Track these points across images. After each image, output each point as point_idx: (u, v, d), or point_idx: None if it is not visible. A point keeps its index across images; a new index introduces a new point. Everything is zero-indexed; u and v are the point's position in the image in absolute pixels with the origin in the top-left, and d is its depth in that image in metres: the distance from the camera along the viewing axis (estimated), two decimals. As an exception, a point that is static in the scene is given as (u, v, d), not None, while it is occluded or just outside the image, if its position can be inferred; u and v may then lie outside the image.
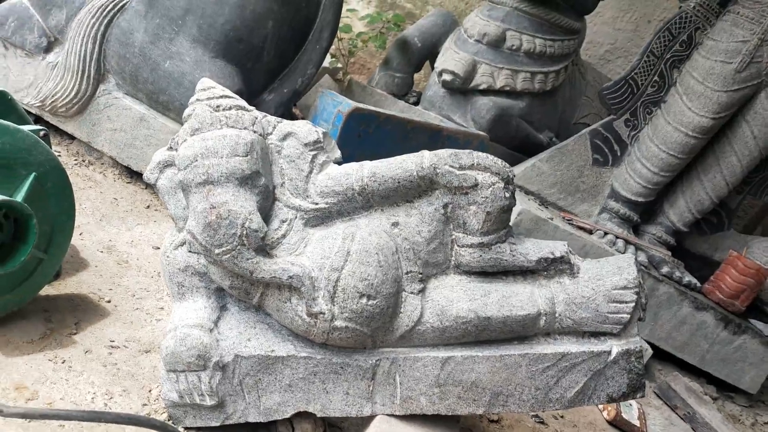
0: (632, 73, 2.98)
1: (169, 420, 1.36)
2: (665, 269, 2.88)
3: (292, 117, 2.66)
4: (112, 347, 1.50)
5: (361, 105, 2.25)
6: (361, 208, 1.31)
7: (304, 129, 1.31)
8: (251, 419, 1.35)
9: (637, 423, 2.33)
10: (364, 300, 1.22)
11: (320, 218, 1.30)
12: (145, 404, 1.38)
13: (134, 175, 2.25)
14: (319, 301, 1.22)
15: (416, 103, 3.57)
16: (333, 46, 3.32)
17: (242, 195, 1.21)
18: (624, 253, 2.83)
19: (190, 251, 1.29)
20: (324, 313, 1.22)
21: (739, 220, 3.54)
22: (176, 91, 2.04)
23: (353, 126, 2.24)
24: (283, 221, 1.29)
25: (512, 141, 3.35)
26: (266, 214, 1.28)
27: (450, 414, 1.33)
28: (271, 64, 2.24)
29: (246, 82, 2.15)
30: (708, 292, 2.96)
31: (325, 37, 2.32)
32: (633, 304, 1.26)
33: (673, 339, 2.90)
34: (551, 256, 1.29)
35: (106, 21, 2.05)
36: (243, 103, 1.32)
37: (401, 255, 1.28)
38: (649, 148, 2.94)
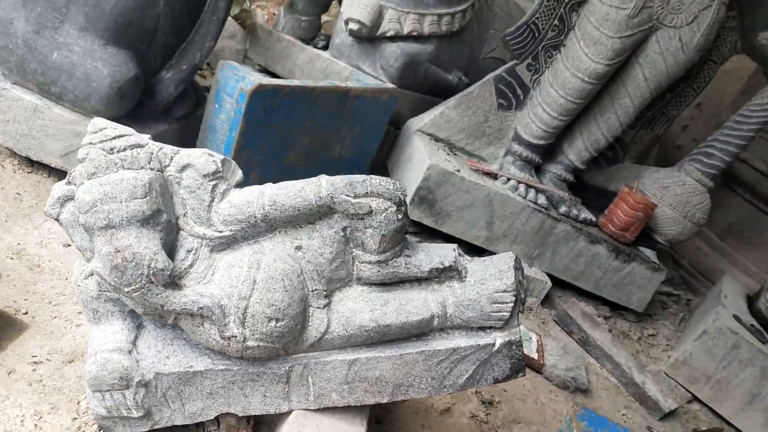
0: (533, 18, 3.06)
1: (100, 430, 1.47)
2: (563, 209, 3.11)
3: (194, 85, 2.61)
4: (35, 363, 1.56)
5: (263, 80, 2.23)
6: (265, 231, 1.38)
7: (201, 160, 1.35)
8: (178, 422, 1.48)
9: (535, 356, 2.62)
10: (273, 323, 1.32)
11: (226, 244, 1.37)
12: (75, 418, 1.47)
13: (35, 165, 2.20)
14: (230, 326, 1.32)
15: (325, 48, 3.52)
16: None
17: (145, 235, 1.26)
18: (526, 196, 3.02)
19: (100, 290, 1.35)
20: (236, 336, 1.32)
21: (635, 146, 3.78)
22: (68, 82, 1.97)
23: (258, 103, 2.24)
24: (189, 251, 1.35)
25: (422, 86, 3.40)
26: (171, 246, 1.34)
27: (358, 405, 1.50)
28: (167, 42, 2.17)
29: (141, 64, 2.09)
30: (602, 225, 3.23)
31: (221, 8, 2.25)
32: (512, 304, 1.43)
33: (570, 270, 3.18)
34: (441, 266, 1.42)
35: (-21, 10, 1.92)
36: (137, 138, 1.33)
37: (306, 276, 1.38)
38: (549, 93, 3.07)
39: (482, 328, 1.48)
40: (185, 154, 1.36)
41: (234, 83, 2.26)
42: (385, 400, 1.49)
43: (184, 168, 1.35)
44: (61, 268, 1.88)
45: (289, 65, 3.39)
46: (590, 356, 2.92)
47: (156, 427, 1.47)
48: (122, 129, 1.33)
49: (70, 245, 1.96)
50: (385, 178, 1.38)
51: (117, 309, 1.42)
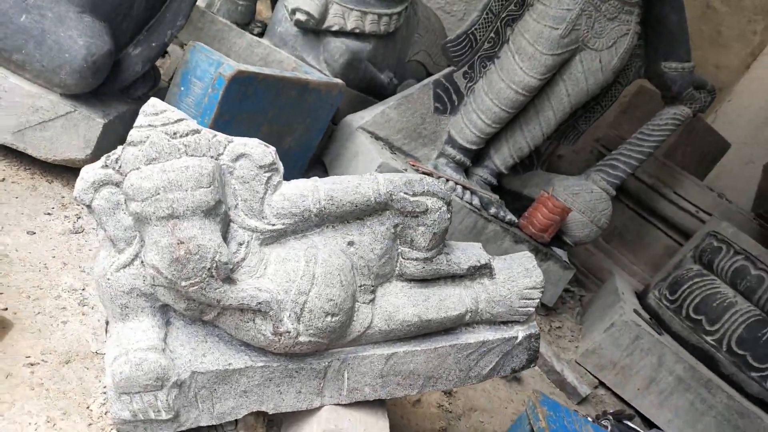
0: (472, 29, 3.21)
1: (117, 435, 1.36)
2: (493, 210, 3.32)
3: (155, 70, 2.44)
4: (31, 365, 1.41)
5: (242, 67, 2.15)
6: (314, 226, 1.37)
7: (258, 150, 1.31)
8: (203, 423, 1.41)
9: (477, 348, 2.78)
10: (329, 318, 1.32)
11: (274, 237, 1.34)
12: (91, 424, 1.36)
13: (-22, 141, 1.94)
14: (284, 321, 1.29)
15: (261, 35, 3.43)
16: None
17: (208, 227, 1.20)
18: (462, 197, 3.18)
19: (153, 284, 1.25)
20: (290, 332, 1.30)
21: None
22: (37, 50, 1.76)
23: (235, 89, 2.15)
24: (241, 244, 1.30)
25: (360, 83, 3.44)
26: (224, 238, 1.28)
27: (389, 398, 1.53)
28: (140, 15, 2.01)
29: (114, 38, 1.93)
30: (523, 227, 3.48)
31: (196, -14, 2.14)
32: (538, 300, 1.54)
33: (495, 267, 3.39)
34: (478, 264, 1.50)
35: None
36: (194, 123, 1.26)
37: (356, 271, 1.39)
38: (483, 101, 3.25)
39: (505, 323, 1.58)
40: (240, 143, 1.31)
41: (207, 66, 2.15)
42: (414, 393, 1.54)
43: (238, 157, 1.30)
44: (32, 258, 1.69)
45: (224, 49, 3.25)
46: (516, 348, 3.14)
47: (179, 429, 1.39)
48: (180, 113, 1.26)
49: (34, 233, 1.76)
50: (434, 179, 1.43)
51: (148, 305, 1.33)
